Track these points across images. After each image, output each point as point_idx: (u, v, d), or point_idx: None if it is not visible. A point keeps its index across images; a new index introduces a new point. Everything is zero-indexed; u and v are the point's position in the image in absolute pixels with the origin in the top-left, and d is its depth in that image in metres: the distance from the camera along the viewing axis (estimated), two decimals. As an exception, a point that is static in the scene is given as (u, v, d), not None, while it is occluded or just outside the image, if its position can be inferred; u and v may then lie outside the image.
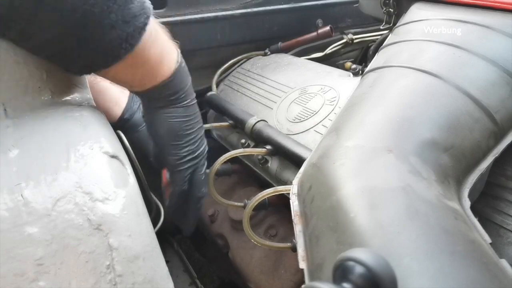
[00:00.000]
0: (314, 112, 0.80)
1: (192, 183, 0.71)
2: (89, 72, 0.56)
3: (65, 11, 0.45)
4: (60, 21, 0.46)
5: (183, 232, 0.79)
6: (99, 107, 0.58)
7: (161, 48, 0.58)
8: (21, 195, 0.38)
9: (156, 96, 0.63)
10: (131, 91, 0.65)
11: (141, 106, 0.86)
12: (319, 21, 1.23)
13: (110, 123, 0.68)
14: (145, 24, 0.52)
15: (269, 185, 0.76)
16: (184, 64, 0.65)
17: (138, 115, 0.85)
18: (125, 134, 0.80)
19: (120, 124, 0.82)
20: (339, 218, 0.40)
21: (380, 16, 0.92)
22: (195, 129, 0.67)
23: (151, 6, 0.53)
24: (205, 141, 0.71)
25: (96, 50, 0.50)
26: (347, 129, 0.53)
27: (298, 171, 0.57)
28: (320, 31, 1.14)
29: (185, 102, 0.64)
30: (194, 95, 0.67)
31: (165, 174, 0.75)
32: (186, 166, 0.68)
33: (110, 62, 0.52)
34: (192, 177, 0.70)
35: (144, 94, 0.63)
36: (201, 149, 0.69)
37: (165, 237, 1.04)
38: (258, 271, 0.75)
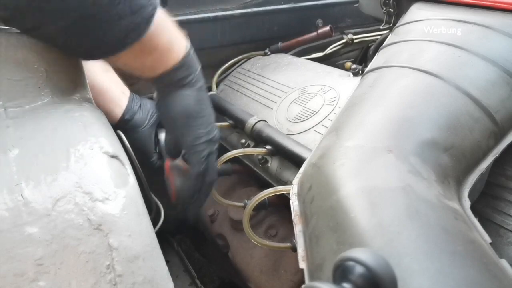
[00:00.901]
0: (314, 112, 0.80)
1: (207, 166, 0.71)
2: (95, 59, 0.59)
3: (73, 2, 0.47)
4: (68, 12, 0.47)
5: (188, 218, 0.79)
6: (100, 108, 0.59)
7: (169, 36, 0.61)
8: (21, 195, 0.38)
9: (168, 81, 0.65)
10: (143, 77, 0.67)
11: (141, 106, 0.86)
12: (319, 21, 1.23)
13: (111, 124, 0.68)
14: (152, 14, 0.54)
15: (269, 185, 0.75)
16: (193, 51, 0.68)
17: (139, 115, 0.85)
18: (126, 135, 0.80)
19: (121, 125, 0.82)
20: (339, 218, 0.40)
21: (380, 16, 0.92)
22: (207, 112, 0.69)
23: None
24: (217, 128, 0.72)
25: (103, 40, 0.52)
26: (347, 129, 0.53)
27: (298, 171, 0.57)
28: (320, 31, 1.14)
29: (196, 86, 0.67)
30: (204, 80, 0.70)
31: (168, 164, 0.77)
32: (203, 147, 0.69)
33: (117, 51, 0.54)
34: (207, 161, 0.71)
35: (156, 80, 0.65)
36: (215, 133, 0.71)
37: (165, 237, 1.04)
38: (258, 271, 0.75)
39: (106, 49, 0.55)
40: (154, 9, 0.54)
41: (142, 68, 0.63)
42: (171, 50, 0.62)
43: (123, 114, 0.82)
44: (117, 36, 0.52)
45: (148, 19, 0.53)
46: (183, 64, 0.64)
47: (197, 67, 0.68)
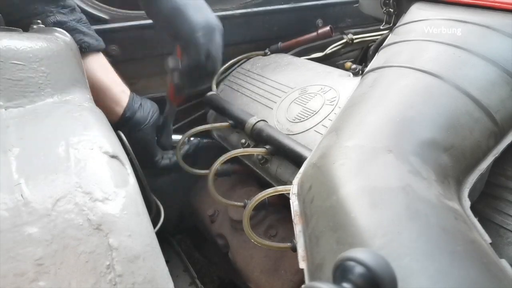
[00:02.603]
0: (314, 112, 0.80)
1: (209, 54, 0.73)
2: None
3: None
4: None
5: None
6: (101, 107, 0.59)
7: None
8: (21, 195, 0.38)
9: None
10: None
11: (142, 105, 0.87)
12: (319, 21, 1.23)
13: (112, 122, 0.68)
14: None
15: (269, 185, 0.75)
16: None
17: (140, 114, 0.85)
18: (127, 133, 0.81)
19: (122, 123, 0.83)
20: (339, 218, 0.40)
21: (380, 16, 0.92)
22: None
23: None
24: (214, 15, 0.73)
25: None
26: (347, 129, 0.53)
27: (298, 171, 0.57)
28: (320, 31, 1.14)
29: None
30: None
31: (179, 48, 0.80)
32: (201, 39, 0.71)
33: None
34: (208, 49, 0.74)
35: None
36: (212, 18, 0.72)
37: (165, 237, 1.04)
38: (258, 271, 0.75)
39: None
40: None
41: None
42: None
43: (124, 112, 0.82)
44: None
45: None
46: None
47: None
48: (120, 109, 0.82)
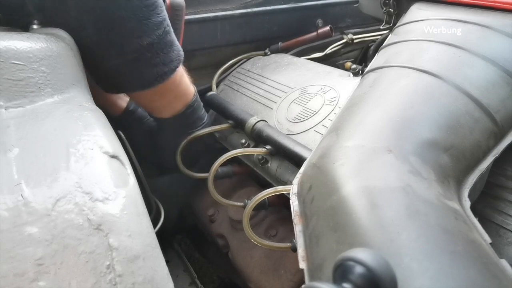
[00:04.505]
0: (314, 112, 0.80)
1: None
2: (122, 92, 0.79)
3: (126, 48, 0.62)
4: (119, 56, 0.63)
5: None
6: (105, 101, 0.61)
7: (176, 92, 0.77)
8: (21, 195, 0.38)
9: (168, 123, 0.82)
10: (151, 115, 0.85)
11: None
12: (319, 21, 1.23)
13: (116, 115, 0.79)
14: (176, 67, 0.71)
15: (269, 185, 0.75)
16: (197, 103, 0.83)
17: (142, 109, 0.87)
18: (131, 126, 0.82)
19: (126, 116, 0.84)
20: (339, 218, 0.40)
21: (380, 16, 0.92)
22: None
23: (183, 54, 0.73)
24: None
25: (137, 79, 0.68)
26: (347, 129, 0.53)
27: (298, 171, 0.57)
28: (320, 31, 1.14)
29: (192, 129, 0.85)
30: (203, 120, 0.87)
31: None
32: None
33: (141, 89, 0.70)
34: None
35: (158, 119, 0.83)
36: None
37: (165, 237, 1.04)
38: (258, 271, 0.75)
39: (134, 87, 0.70)
40: (179, 63, 0.71)
41: (151, 108, 0.81)
42: (176, 101, 0.78)
43: (127, 105, 0.85)
44: (146, 78, 0.68)
45: (172, 70, 0.69)
46: (182, 114, 0.80)
47: (195, 117, 0.84)
48: (123, 103, 0.85)
